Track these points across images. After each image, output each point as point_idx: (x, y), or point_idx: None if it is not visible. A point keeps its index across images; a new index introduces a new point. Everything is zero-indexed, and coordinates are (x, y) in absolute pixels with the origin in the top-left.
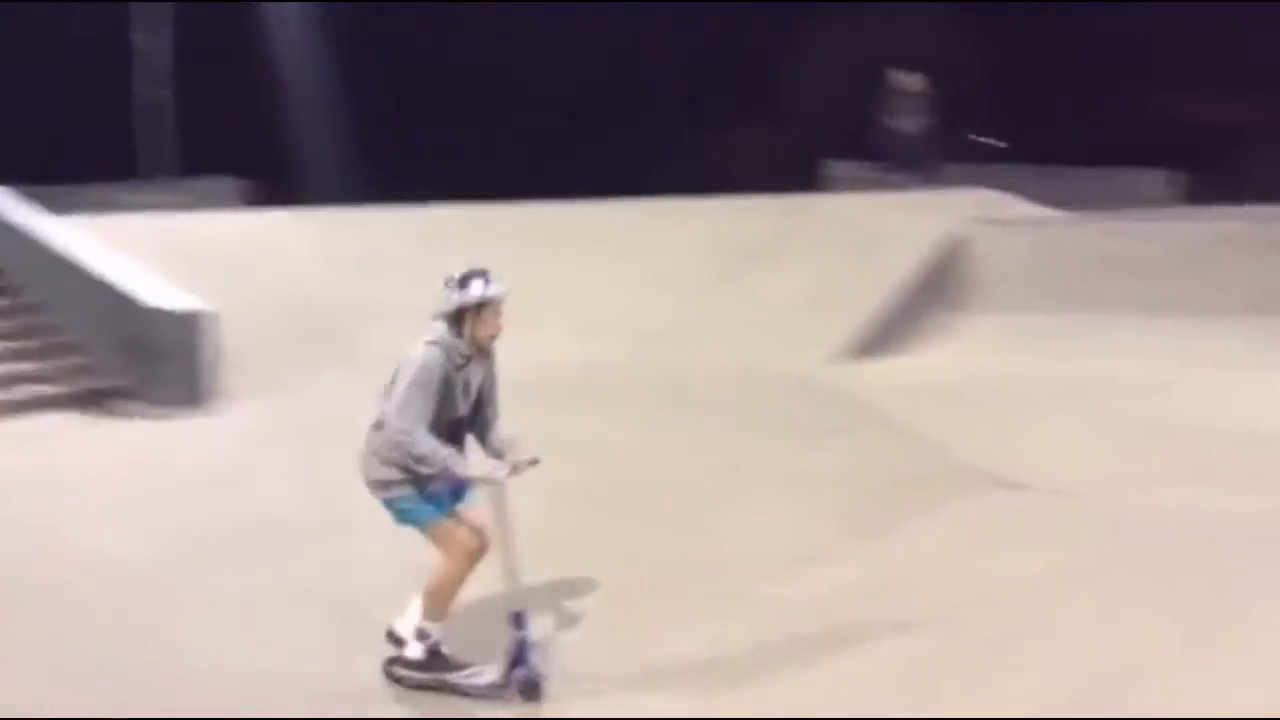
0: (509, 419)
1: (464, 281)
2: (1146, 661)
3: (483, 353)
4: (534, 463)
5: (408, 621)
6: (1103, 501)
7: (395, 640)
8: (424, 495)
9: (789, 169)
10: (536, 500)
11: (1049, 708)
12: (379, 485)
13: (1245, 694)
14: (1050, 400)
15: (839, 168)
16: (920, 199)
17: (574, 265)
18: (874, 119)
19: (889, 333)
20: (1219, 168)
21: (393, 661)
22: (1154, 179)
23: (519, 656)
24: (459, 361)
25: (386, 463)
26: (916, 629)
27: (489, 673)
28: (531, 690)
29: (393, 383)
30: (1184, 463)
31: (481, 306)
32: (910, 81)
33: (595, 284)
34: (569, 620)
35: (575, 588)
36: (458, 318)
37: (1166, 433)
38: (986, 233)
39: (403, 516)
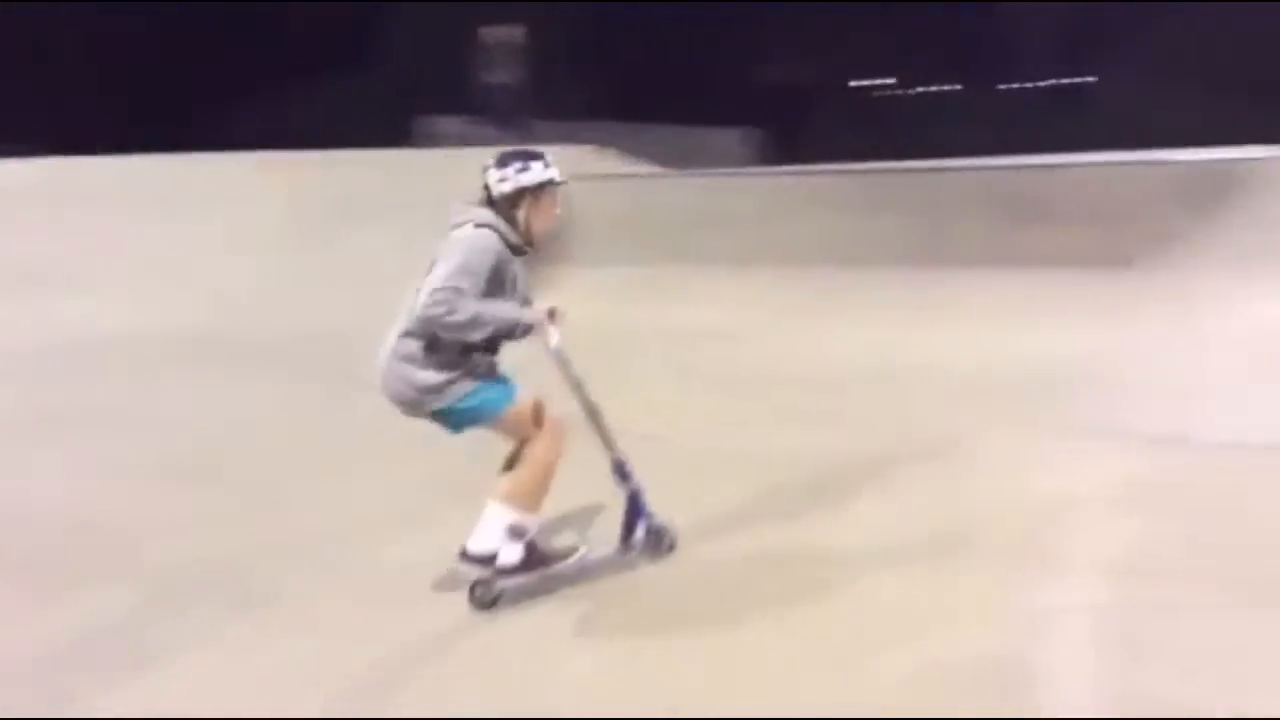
0: (73, 391)
1: (523, 159)
2: (738, 599)
3: (532, 247)
4: (563, 314)
5: (486, 535)
6: (694, 445)
7: (478, 560)
8: (488, 380)
9: (383, 123)
10: (112, 475)
11: (628, 639)
12: (427, 393)
13: (830, 622)
14: (648, 350)
15: (435, 122)
16: None
17: (145, 225)
18: (470, 73)
19: None
20: (788, 127)
21: (480, 584)
22: (730, 137)
23: (636, 510)
24: (511, 252)
25: (429, 364)
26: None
27: (600, 548)
28: (661, 539)
29: (429, 271)
30: (773, 405)
31: (541, 189)
32: (505, 35)
33: (172, 245)
34: (152, 607)
35: (161, 568)
36: (514, 201)
37: (756, 377)
38: (584, 188)
39: (468, 417)
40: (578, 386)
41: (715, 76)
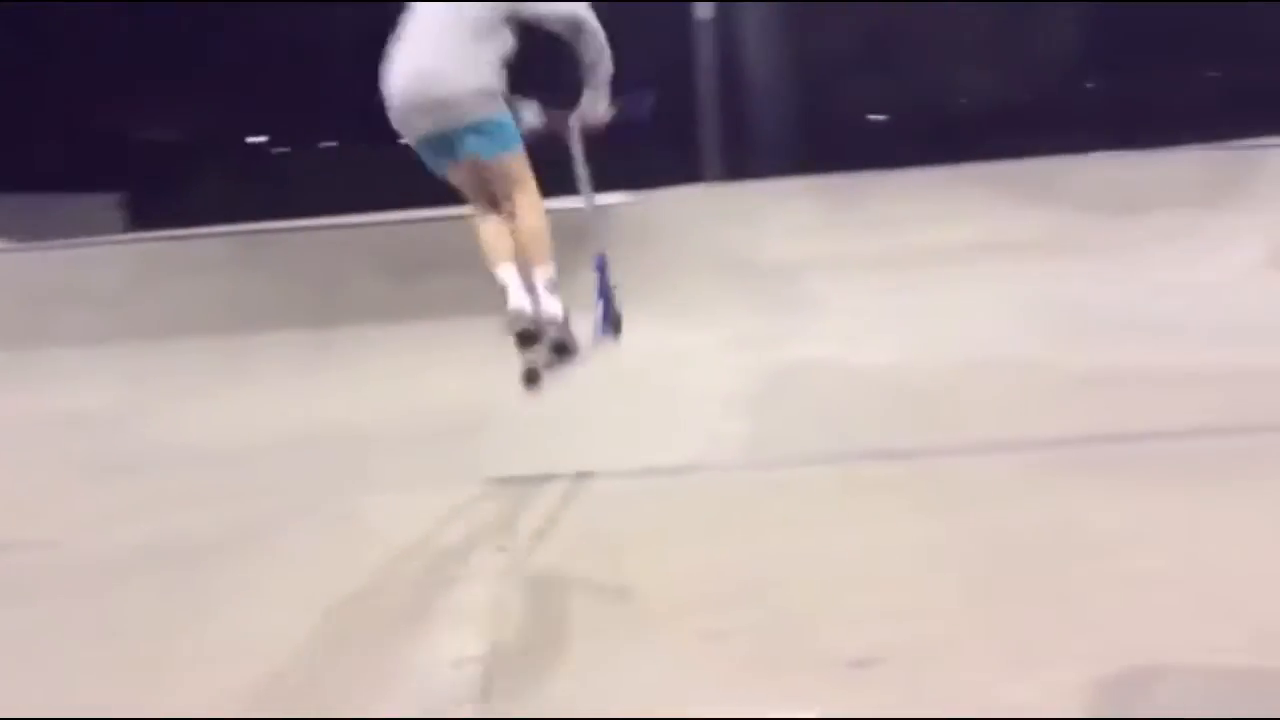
0: None
1: None
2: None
3: None
4: None
5: (517, 296)
6: (85, 545)
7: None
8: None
9: None
10: None
11: None
12: (486, 97)
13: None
14: (18, 444)
15: None
16: None
17: None
18: None
19: None
20: (162, 188)
21: (530, 369)
22: (95, 203)
23: (608, 298)
24: None
25: (496, 75)
26: None
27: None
28: (619, 327)
29: None
30: (167, 487)
31: None
32: None
33: None
34: None
35: None
36: None
37: (147, 460)
38: None
39: (501, 137)
40: (582, 168)
41: (73, 139)
